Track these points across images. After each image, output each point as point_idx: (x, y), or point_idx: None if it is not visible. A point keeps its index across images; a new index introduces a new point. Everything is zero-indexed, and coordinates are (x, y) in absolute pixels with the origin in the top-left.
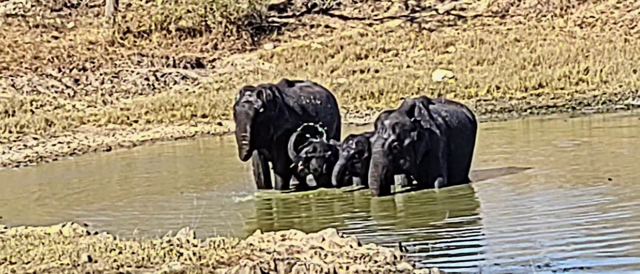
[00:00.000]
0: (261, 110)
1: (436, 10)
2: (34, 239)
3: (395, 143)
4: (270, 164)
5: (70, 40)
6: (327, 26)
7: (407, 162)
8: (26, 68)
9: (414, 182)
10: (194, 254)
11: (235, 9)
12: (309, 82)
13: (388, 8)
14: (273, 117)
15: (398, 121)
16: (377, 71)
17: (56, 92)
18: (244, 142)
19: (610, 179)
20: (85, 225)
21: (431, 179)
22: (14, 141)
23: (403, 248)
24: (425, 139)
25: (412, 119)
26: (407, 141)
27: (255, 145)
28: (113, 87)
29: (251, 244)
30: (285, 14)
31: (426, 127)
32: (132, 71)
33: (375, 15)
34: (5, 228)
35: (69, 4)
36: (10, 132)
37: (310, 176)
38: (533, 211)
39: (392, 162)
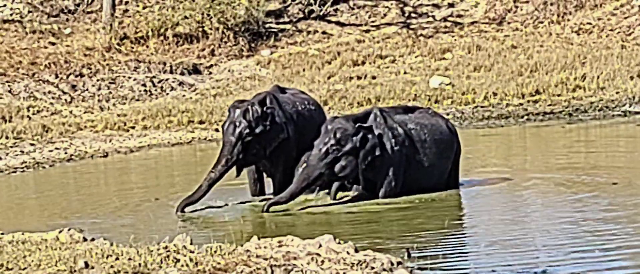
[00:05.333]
0: (246, 131)
1: (433, 16)
2: (30, 245)
3: (335, 147)
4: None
5: (67, 46)
6: (324, 32)
7: (347, 167)
8: (23, 74)
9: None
10: (191, 260)
11: (232, 15)
12: (295, 90)
13: (385, 14)
14: (262, 132)
15: (340, 126)
16: (374, 77)
17: (53, 98)
18: (221, 163)
19: (615, 184)
20: (82, 231)
21: (379, 187)
22: (11, 147)
23: (409, 254)
24: (371, 145)
25: (358, 125)
26: (348, 146)
27: (243, 165)
28: (110, 93)
29: (248, 251)
30: (282, 20)
31: (378, 135)
32: (129, 77)
33: (372, 22)
34: (2, 234)
35: (66, 10)
36: (7, 138)
37: None
38: (530, 217)
39: (327, 166)
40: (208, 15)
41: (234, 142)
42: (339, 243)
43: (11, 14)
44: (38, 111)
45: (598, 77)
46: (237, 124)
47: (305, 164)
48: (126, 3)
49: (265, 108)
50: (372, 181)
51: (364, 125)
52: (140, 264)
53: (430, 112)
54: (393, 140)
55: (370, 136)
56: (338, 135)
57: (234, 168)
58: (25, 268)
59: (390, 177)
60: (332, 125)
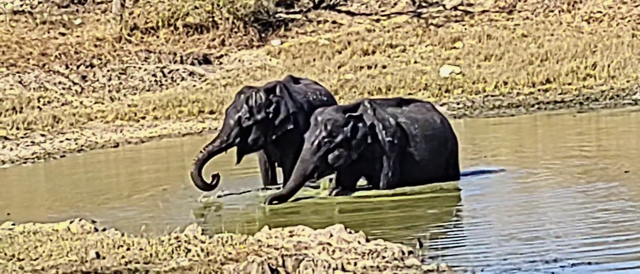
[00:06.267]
0: (246, 116)
1: (443, 5)
2: (42, 235)
3: (326, 140)
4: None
5: (78, 36)
6: (334, 22)
7: (340, 158)
8: (34, 65)
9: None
10: (202, 250)
11: (242, 5)
12: (309, 80)
13: (395, 4)
14: (264, 119)
15: (330, 117)
16: (384, 67)
17: (63, 88)
18: (214, 144)
19: (627, 172)
20: (93, 221)
21: (376, 180)
22: (22, 137)
23: (421, 243)
24: (362, 134)
25: (347, 115)
26: (339, 137)
27: (241, 151)
28: (120, 83)
29: (259, 240)
30: (292, 10)
31: (369, 124)
32: (140, 68)
33: (382, 11)
34: (14, 224)
35: (76, 1)
36: (17, 128)
37: None
38: (541, 206)
39: (321, 158)
40: (218, 5)
41: (232, 126)
42: (350, 232)
43: (21, 5)
44: (48, 102)
45: (609, 65)
46: (239, 108)
47: (300, 160)
48: None
49: (270, 96)
50: (369, 175)
51: (354, 114)
52: (151, 255)
53: (427, 107)
54: (384, 131)
55: (360, 124)
56: (329, 127)
57: (235, 159)
58: (36, 259)
59: (386, 168)
60: (322, 116)
